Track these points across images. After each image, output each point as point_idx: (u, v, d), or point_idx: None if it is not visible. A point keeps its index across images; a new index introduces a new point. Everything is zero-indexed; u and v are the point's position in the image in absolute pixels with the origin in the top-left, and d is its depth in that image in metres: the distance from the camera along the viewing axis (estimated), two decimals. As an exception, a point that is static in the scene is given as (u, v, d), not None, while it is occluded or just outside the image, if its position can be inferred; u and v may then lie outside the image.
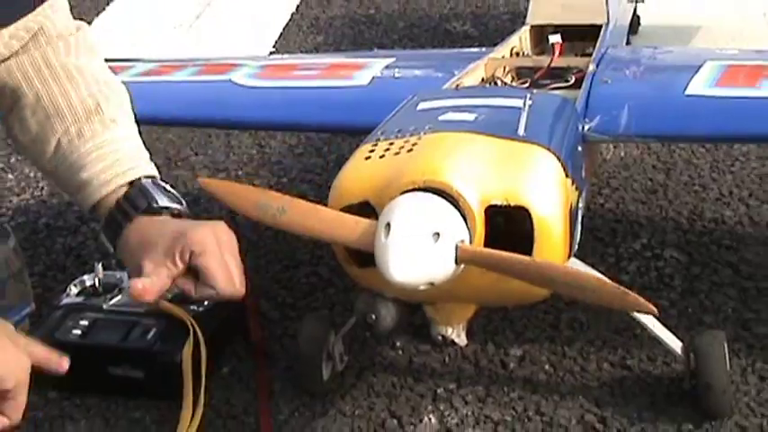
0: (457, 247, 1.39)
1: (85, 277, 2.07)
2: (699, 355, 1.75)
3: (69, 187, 1.26)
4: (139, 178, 1.20)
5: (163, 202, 1.19)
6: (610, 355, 1.93)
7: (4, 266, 1.98)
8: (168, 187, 1.22)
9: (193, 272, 1.11)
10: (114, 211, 1.18)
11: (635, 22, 3.13)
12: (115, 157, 1.23)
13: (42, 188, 2.68)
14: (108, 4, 3.97)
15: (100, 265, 2.08)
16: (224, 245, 1.13)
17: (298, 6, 3.86)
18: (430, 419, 1.82)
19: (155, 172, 1.23)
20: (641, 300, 1.38)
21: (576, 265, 1.65)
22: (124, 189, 1.19)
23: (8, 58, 1.26)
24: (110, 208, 1.19)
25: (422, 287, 1.40)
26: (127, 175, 1.20)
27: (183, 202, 1.21)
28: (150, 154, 1.24)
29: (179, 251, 1.10)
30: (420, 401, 1.86)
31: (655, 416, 1.79)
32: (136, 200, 1.18)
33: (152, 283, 1.09)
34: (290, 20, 3.75)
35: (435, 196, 1.42)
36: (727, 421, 1.76)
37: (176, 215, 1.18)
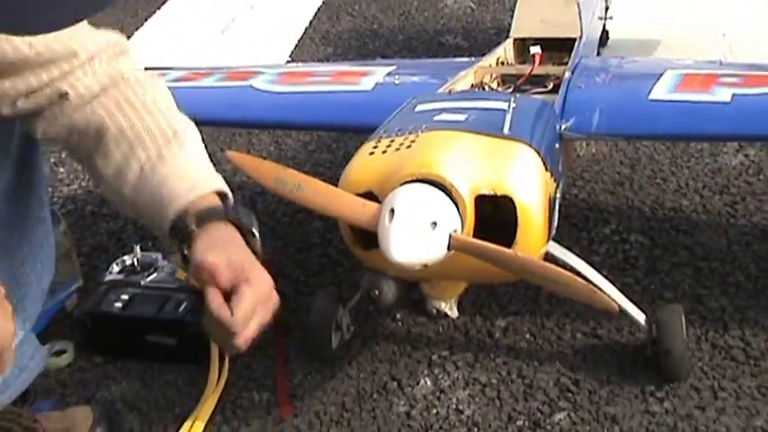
0: (450, 236, 1.38)
1: (126, 257, 2.06)
2: (659, 325, 1.74)
3: (150, 207, 1.23)
4: (217, 192, 1.21)
5: (235, 214, 1.19)
6: (582, 325, 1.93)
7: (56, 248, 1.97)
8: (239, 205, 1.22)
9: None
10: (190, 218, 1.17)
11: (604, 37, 3.11)
12: (194, 173, 1.23)
13: (89, 180, 2.67)
14: (146, 21, 3.95)
15: (138, 247, 2.08)
16: (266, 299, 1.12)
17: (311, 21, 3.84)
18: (426, 382, 1.81)
19: (226, 188, 1.23)
20: (606, 298, 1.39)
21: (554, 248, 1.65)
22: (209, 199, 1.19)
23: (90, 100, 1.25)
24: (190, 216, 1.17)
25: (417, 267, 1.39)
26: (204, 189, 1.20)
27: (253, 221, 1.21)
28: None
29: (234, 277, 1.11)
30: (417, 366, 1.85)
31: (621, 379, 1.78)
32: (212, 209, 1.18)
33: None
34: (304, 33, 3.73)
35: (431, 186, 1.41)
36: (683, 383, 1.76)
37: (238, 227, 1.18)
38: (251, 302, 1.10)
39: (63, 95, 1.25)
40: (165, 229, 1.20)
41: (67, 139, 1.29)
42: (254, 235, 1.19)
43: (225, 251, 1.13)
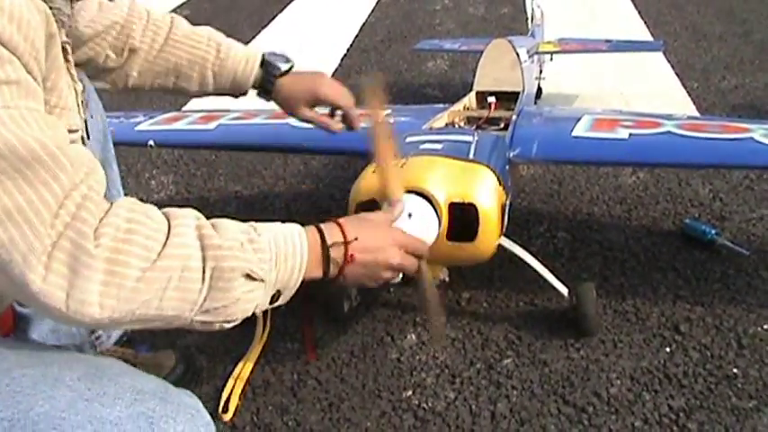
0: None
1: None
2: (578, 296, 1.73)
3: (231, 82, 1.49)
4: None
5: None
6: (524, 296, 1.91)
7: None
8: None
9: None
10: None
11: (539, 91, 3.10)
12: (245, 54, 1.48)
13: (171, 190, 2.64)
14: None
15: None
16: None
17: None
18: (411, 337, 1.80)
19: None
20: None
21: (505, 241, 1.63)
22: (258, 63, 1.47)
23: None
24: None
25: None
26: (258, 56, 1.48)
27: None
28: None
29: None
30: (405, 326, 1.84)
31: (551, 334, 1.77)
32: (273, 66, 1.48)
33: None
34: (325, 87, 3.71)
35: (417, 195, 1.39)
36: (594, 337, 1.75)
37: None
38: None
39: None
40: (250, 83, 1.50)
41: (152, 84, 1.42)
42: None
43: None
